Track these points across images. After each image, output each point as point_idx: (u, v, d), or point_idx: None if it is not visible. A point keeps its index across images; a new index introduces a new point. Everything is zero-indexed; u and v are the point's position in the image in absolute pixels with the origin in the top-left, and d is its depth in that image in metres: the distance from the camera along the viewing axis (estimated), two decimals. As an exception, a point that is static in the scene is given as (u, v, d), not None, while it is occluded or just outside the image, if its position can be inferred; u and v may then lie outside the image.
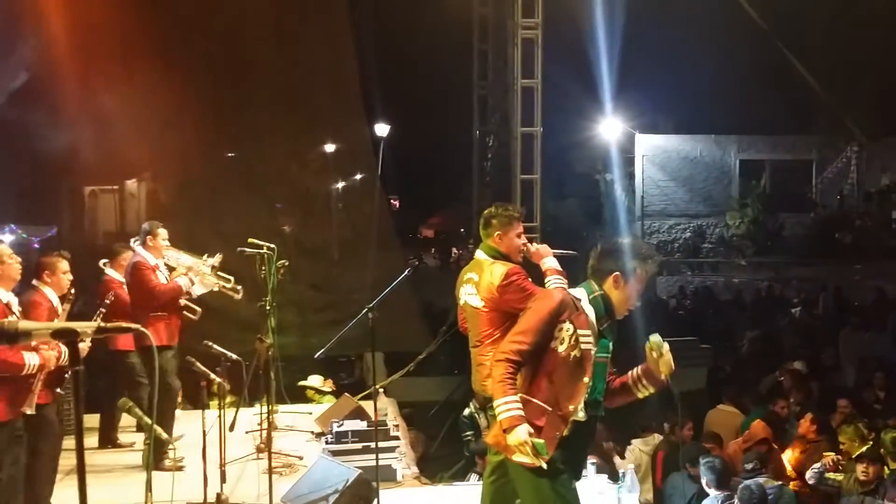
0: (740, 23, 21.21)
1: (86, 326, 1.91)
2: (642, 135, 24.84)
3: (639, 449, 8.00)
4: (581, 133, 23.72)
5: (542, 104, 11.76)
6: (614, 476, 5.75)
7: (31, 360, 4.71)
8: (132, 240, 6.95)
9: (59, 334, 1.91)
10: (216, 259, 6.87)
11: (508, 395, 3.64)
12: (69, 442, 5.90)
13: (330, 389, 9.60)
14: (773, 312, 16.78)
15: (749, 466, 6.79)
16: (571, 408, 3.71)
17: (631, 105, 22.69)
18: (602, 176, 25.11)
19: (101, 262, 7.23)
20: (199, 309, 7.02)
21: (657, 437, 8.08)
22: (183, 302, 6.76)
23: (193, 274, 6.69)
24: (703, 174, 25.19)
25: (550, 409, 3.70)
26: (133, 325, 2.00)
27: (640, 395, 3.97)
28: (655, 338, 3.83)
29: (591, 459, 6.48)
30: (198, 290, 6.77)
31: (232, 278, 6.98)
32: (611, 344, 3.85)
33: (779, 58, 22.16)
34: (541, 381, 3.74)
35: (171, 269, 6.77)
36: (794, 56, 22.58)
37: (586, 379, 3.73)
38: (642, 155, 24.95)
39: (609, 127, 23.27)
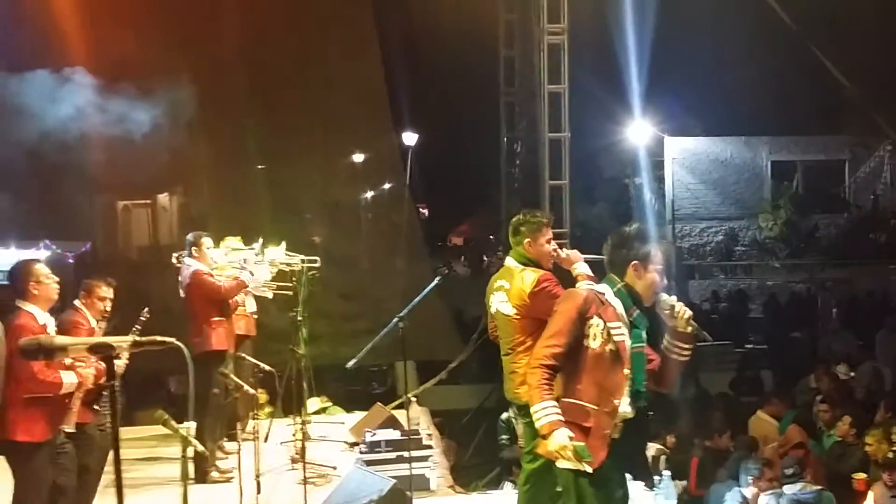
0: (770, 23, 20.97)
1: (121, 341, 1.93)
2: (671, 138, 24.64)
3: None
4: (609, 137, 23.57)
5: (569, 109, 11.73)
6: (650, 483, 5.68)
7: (68, 378, 4.73)
8: (176, 254, 7.05)
9: (95, 349, 1.93)
10: (280, 249, 7.04)
11: (545, 400, 3.63)
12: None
13: (330, 404, 9.56)
14: (808, 314, 16.55)
15: (789, 472, 6.69)
16: (617, 402, 3.71)
17: (659, 108, 22.50)
18: (631, 180, 24.92)
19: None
20: (269, 294, 7.13)
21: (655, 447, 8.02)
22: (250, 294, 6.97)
23: (250, 267, 6.84)
24: (734, 176, 24.93)
25: (596, 407, 3.69)
26: (168, 339, 2.01)
27: (683, 358, 3.93)
28: (664, 297, 3.85)
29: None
30: (261, 276, 6.93)
31: (299, 258, 7.15)
32: (644, 333, 3.86)
33: (809, 57, 21.86)
34: (581, 381, 3.72)
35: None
36: (825, 55, 22.29)
37: (626, 371, 3.73)
38: (672, 158, 24.74)
39: (637, 130, 23.08)
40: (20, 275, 4.85)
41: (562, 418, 3.60)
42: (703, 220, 24.84)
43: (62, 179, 14.94)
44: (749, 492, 6.50)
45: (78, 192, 15.89)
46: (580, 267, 5.00)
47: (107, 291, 5.45)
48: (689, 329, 3.82)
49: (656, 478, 5.38)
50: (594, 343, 3.71)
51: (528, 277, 4.85)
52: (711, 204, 24.92)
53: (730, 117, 23.75)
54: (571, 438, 3.57)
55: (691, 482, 7.74)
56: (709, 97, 22.66)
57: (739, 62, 21.72)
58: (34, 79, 12.13)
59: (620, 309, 3.79)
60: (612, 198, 25.16)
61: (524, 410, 4.80)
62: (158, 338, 2.01)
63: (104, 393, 5.19)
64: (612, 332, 3.72)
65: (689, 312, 3.84)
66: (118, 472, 1.95)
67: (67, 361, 4.74)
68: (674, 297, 3.87)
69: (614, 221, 25.50)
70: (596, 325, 3.72)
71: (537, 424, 3.65)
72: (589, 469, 3.59)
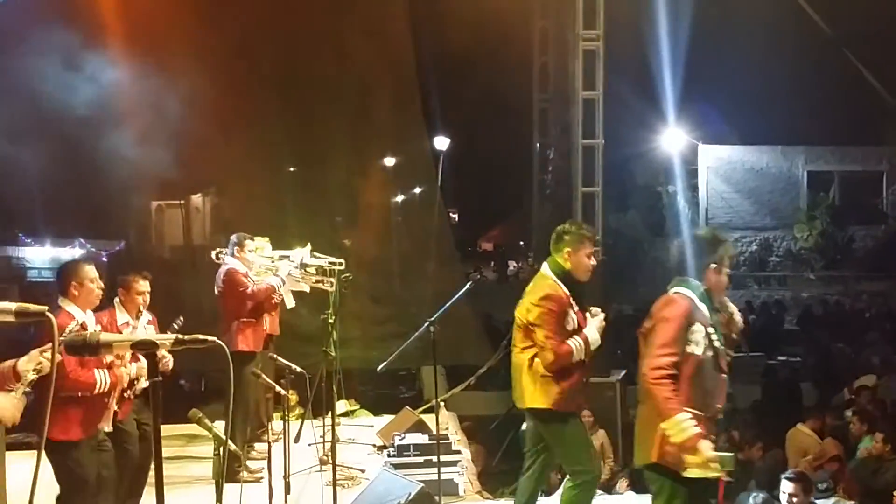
0: (807, 31, 20.75)
1: (164, 339, 1.94)
2: (706, 146, 24.44)
3: None
4: (643, 144, 23.43)
5: (603, 115, 11.67)
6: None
7: (102, 378, 4.77)
8: (216, 251, 7.12)
9: (138, 346, 1.95)
10: (306, 251, 7.08)
11: (682, 412, 3.62)
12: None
13: (357, 407, 9.62)
14: (843, 327, 16.33)
15: (822, 486, 6.59)
16: (719, 406, 3.72)
17: (694, 115, 22.32)
18: (664, 188, 24.75)
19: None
20: (307, 288, 7.28)
21: None
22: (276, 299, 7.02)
23: (283, 273, 6.94)
24: (770, 186, 24.66)
25: (703, 413, 3.69)
26: (210, 338, 2.02)
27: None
28: (727, 301, 4.00)
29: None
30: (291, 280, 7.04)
31: (326, 260, 7.19)
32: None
33: (847, 66, 21.60)
34: (688, 389, 3.71)
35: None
36: (863, 64, 21.99)
37: (724, 375, 3.72)
38: (706, 166, 24.55)
39: (672, 138, 22.93)
40: (64, 274, 4.93)
41: (701, 430, 3.61)
42: (737, 229, 24.58)
43: (97, 179, 15.12)
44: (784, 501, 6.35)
45: (112, 192, 16.07)
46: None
47: (144, 285, 5.49)
48: (736, 337, 3.83)
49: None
50: (698, 349, 3.73)
51: (538, 291, 4.93)
52: (746, 213, 24.68)
53: (766, 126, 23.51)
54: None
55: (720, 494, 7.64)
56: (744, 105, 22.44)
57: (776, 70, 21.49)
58: (73, 79, 12.32)
59: (707, 313, 3.77)
60: (644, 206, 24.99)
61: (525, 412, 5.15)
62: (201, 336, 2.02)
63: (125, 395, 5.23)
64: (712, 337, 3.72)
65: (741, 321, 3.90)
66: (159, 469, 1.96)
67: (108, 359, 4.79)
68: (733, 306, 3.93)
69: (647, 230, 25.38)
70: (698, 332, 3.72)
71: (679, 437, 3.63)
72: (729, 478, 3.64)
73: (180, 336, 1.98)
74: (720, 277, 3.88)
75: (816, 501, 6.27)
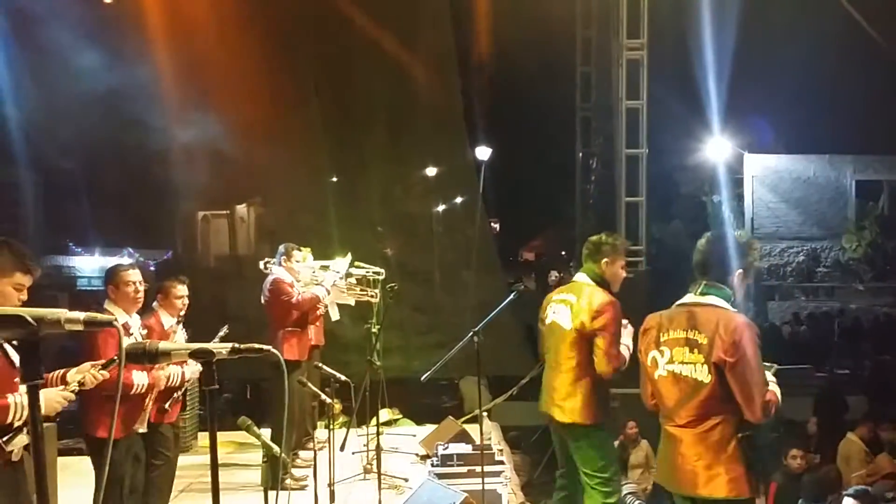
0: (855, 38, 20.41)
1: (221, 347, 1.98)
2: (752, 155, 24.12)
3: None
4: (687, 154, 23.18)
5: (647, 125, 11.61)
6: None
7: (139, 380, 4.86)
8: (264, 260, 7.21)
9: (195, 355, 1.98)
10: (347, 260, 7.13)
11: None
12: (182, 459, 6.09)
13: (400, 416, 9.63)
14: (893, 339, 15.97)
15: (890, 495, 6.47)
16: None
17: (740, 124, 22.04)
18: (709, 197, 24.46)
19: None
20: (352, 302, 7.38)
21: None
22: (321, 310, 7.11)
23: (328, 283, 7.01)
24: (817, 196, 24.26)
25: None
26: (265, 347, 2.05)
27: None
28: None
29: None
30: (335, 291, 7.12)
31: (367, 269, 7.24)
32: None
33: (896, 74, 21.20)
34: None
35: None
36: (914, 72, 21.56)
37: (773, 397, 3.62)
38: (752, 176, 24.21)
39: (717, 147, 22.67)
40: (106, 277, 5.08)
41: None
42: (784, 239, 24.21)
43: (146, 190, 15.39)
44: None
45: (160, 203, 16.36)
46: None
47: (182, 290, 5.55)
48: None
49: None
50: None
51: (597, 298, 4.86)
52: (793, 223, 24.29)
53: (813, 135, 23.13)
54: None
55: (769, 505, 7.53)
56: (791, 114, 22.08)
57: (824, 78, 21.13)
58: (123, 93, 12.57)
59: None
60: (689, 215, 24.70)
61: (557, 425, 5.04)
62: (256, 345, 2.05)
63: (175, 395, 5.33)
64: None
65: None
66: (215, 475, 1.98)
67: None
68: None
69: (691, 240, 25.03)
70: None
71: None
72: None
73: (237, 345, 2.01)
74: (744, 283, 3.71)
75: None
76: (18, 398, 3.42)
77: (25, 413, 3.40)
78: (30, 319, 1.61)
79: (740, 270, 3.68)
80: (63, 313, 1.66)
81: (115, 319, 1.64)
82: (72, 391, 3.58)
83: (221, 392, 12.02)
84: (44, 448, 1.70)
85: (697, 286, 3.67)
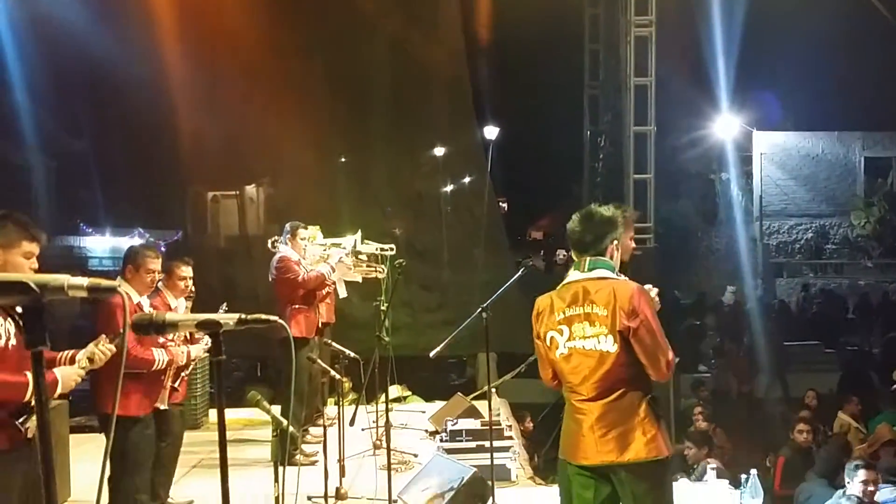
0: (864, 15, 20.24)
1: (228, 318, 2.01)
2: (760, 132, 24.01)
3: None
4: (695, 131, 23.10)
5: (655, 102, 11.58)
6: (735, 481, 5.57)
7: (160, 356, 4.92)
8: (272, 239, 7.26)
9: (203, 325, 2.02)
10: (357, 237, 7.17)
11: None
12: (192, 436, 6.16)
13: (409, 393, 9.71)
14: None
15: None
16: None
17: (748, 101, 21.96)
18: (717, 175, 24.39)
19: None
20: (359, 278, 7.44)
21: None
22: (329, 288, 7.15)
23: (333, 260, 7.06)
24: (826, 172, 24.17)
25: None
26: (272, 318, 2.09)
27: None
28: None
29: (711, 464, 6.33)
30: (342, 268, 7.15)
31: (376, 246, 7.28)
32: None
33: (907, 51, 21.02)
34: None
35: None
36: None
37: None
38: (760, 153, 24.12)
39: (725, 124, 22.57)
40: (126, 256, 5.10)
41: None
42: (792, 216, 24.16)
43: (157, 171, 15.45)
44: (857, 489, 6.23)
45: (170, 184, 16.42)
46: None
47: (186, 270, 5.58)
48: None
49: (742, 476, 5.26)
50: None
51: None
52: (801, 200, 24.22)
53: (822, 111, 23.04)
54: None
55: (776, 481, 7.59)
56: (800, 91, 22.00)
57: (832, 55, 21.01)
58: (133, 73, 12.61)
59: None
60: (697, 194, 24.65)
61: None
62: (263, 316, 2.08)
63: (182, 375, 5.38)
64: None
65: None
66: (223, 449, 2.02)
67: (161, 339, 4.95)
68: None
69: (699, 218, 25.05)
70: None
71: None
72: None
73: (243, 316, 2.05)
74: (617, 256, 3.76)
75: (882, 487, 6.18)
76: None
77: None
78: (33, 286, 1.61)
79: (614, 242, 3.71)
80: (66, 279, 1.67)
81: (119, 285, 1.67)
82: (82, 367, 3.64)
83: (232, 371, 12.13)
84: (48, 414, 1.72)
85: (583, 263, 3.69)
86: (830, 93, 21.90)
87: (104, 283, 1.70)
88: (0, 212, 3.52)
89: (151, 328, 2.00)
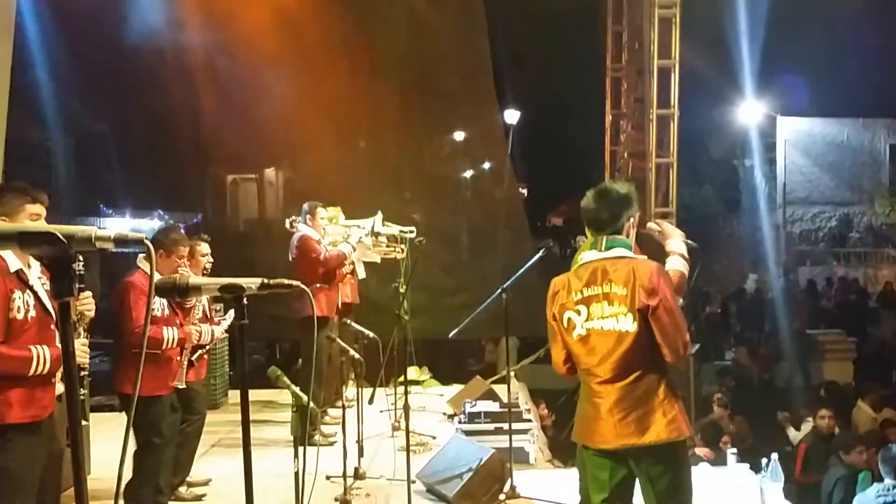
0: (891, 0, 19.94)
1: (251, 283, 1.99)
2: (784, 118, 23.75)
3: None
4: (719, 117, 22.87)
5: (678, 85, 11.45)
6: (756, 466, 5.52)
7: (169, 335, 4.87)
8: (290, 219, 7.26)
9: (226, 289, 2.00)
10: (377, 219, 7.14)
11: None
12: (212, 416, 6.17)
13: (428, 376, 9.70)
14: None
15: None
16: None
17: (773, 87, 21.70)
18: (741, 162, 24.16)
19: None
20: (377, 259, 7.53)
21: None
22: (348, 268, 7.19)
23: (354, 240, 7.10)
24: (850, 159, 23.89)
25: None
26: (294, 282, 2.07)
27: None
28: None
29: (731, 449, 6.27)
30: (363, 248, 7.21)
31: (397, 228, 7.26)
32: None
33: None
34: None
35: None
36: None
37: None
38: (784, 139, 23.87)
39: (749, 110, 22.32)
40: (159, 237, 5.08)
41: None
42: (816, 204, 23.93)
43: (177, 153, 15.49)
44: None
45: (190, 166, 16.46)
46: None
47: (204, 248, 5.64)
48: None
49: (763, 460, 5.21)
50: None
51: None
52: (825, 188, 23.98)
53: (847, 98, 22.75)
54: None
55: (797, 468, 7.52)
56: (825, 76, 21.72)
57: (858, 40, 20.73)
58: (154, 55, 12.61)
59: None
60: (720, 180, 24.46)
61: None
62: (286, 280, 2.07)
63: (200, 352, 5.39)
64: None
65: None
66: (246, 423, 2.00)
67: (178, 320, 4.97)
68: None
69: (721, 204, 24.84)
70: None
71: None
72: None
73: (265, 280, 2.03)
74: (633, 234, 3.70)
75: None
76: (42, 351, 3.48)
77: (47, 367, 3.48)
78: (60, 236, 1.61)
79: (630, 219, 3.64)
80: (94, 230, 1.67)
81: (146, 238, 1.65)
82: (78, 335, 3.70)
83: (251, 354, 12.16)
84: (75, 367, 1.71)
85: (600, 242, 3.60)
86: (855, 79, 21.62)
87: (131, 234, 1.68)
88: None
89: (175, 292, 1.99)
